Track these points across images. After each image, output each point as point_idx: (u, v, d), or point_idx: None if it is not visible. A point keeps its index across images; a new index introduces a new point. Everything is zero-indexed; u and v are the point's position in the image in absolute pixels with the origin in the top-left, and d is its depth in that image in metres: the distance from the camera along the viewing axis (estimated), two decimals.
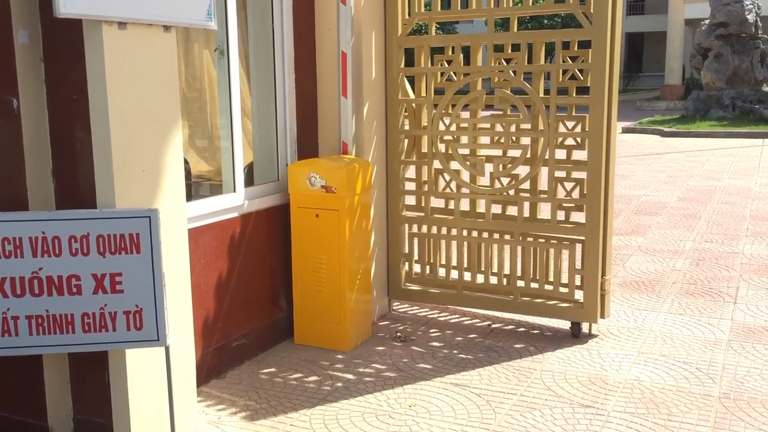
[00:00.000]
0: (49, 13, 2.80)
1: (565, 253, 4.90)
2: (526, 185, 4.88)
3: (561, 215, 4.82)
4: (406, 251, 5.27)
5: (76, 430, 3.47)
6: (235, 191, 4.29)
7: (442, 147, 5.02)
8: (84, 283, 2.98)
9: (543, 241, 4.87)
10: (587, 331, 4.82)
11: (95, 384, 3.32)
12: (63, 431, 3.46)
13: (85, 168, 3.12)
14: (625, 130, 20.50)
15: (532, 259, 4.90)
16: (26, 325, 2.98)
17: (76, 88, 3.09)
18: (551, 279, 4.89)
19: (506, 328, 4.99)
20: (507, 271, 5.04)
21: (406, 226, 5.26)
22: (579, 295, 4.78)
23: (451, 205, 5.15)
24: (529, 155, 4.82)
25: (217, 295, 4.16)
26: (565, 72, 4.66)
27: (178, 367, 3.29)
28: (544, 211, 5.12)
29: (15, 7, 3.10)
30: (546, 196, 4.79)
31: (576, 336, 4.78)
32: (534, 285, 4.90)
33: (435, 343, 4.71)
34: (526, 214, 4.94)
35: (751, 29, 21.46)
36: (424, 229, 5.22)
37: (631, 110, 26.71)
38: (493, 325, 5.03)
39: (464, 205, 5.10)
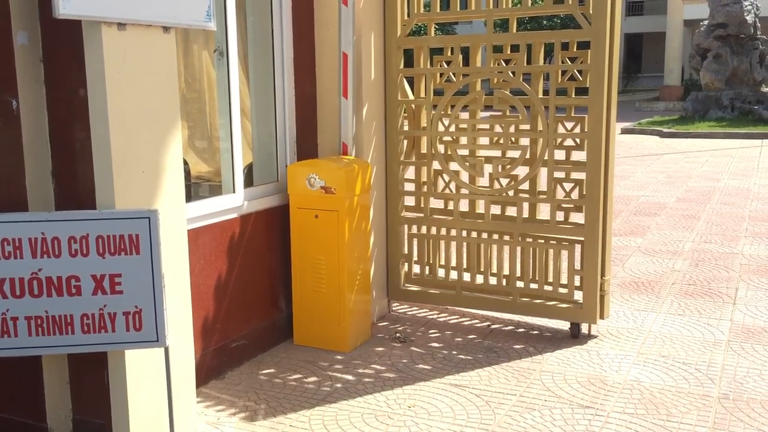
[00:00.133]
0: (48, 13, 2.80)
1: (565, 254, 4.90)
2: (526, 186, 4.88)
3: (560, 216, 4.83)
4: (406, 252, 5.27)
5: (75, 430, 3.47)
6: (234, 192, 4.29)
7: (441, 148, 5.02)
8: (83, 283, 2.98)
9: (542, 241, 4.87)
10: (586, 332, 4.83)
11: (94, 385, 3.32)
12: None
13: (85, 169, 3.12)
14: (624, 131, 20.52)
15: (531, 260, 4.90)
16: (25, 326, 2.98)
17: (75, 89, 3.08)
18: (550, 280, 4.89)
19: (505, 328, 4.99)
20: (506, 271, 5.04)
21: (406, 226, 5.26)
22: (578, 295, 4.79)
23: (451, 206, 5.15)
24: (528, 156, 4.82)
25: (216, 295, 4.16)
26: (564, 73, 4.67)
27: (177, 368, 3.29)
28: (544, 211, 5.12)
29: (14, 8, 3.11)
30: (545, 196, 4.79)
31: (575, 337, 4.78)
32: (533, 286, 4.91)
33: (434, 344, 4.71)
34: (526, 214, 4.94)
35: (749, 30, 21.48)
36: (424, 229, 5.22)
37: (630, 111, 26.73)
38: (493, 326, 5.04)
39: (463, 205, 5.10)
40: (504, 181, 4.98)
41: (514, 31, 4.82)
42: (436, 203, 5.22)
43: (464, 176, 5.04)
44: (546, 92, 4.75)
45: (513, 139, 4.86)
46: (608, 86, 4.53)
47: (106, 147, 2.96)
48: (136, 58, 3.01)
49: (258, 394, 4.00)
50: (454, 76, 4.95)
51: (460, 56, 4.96)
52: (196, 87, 4.62)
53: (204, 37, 4.48)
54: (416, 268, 5.35)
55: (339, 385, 4.09)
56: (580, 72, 4.63)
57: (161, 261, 3.02)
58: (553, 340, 4.75)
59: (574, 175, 4.81)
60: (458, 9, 4.96)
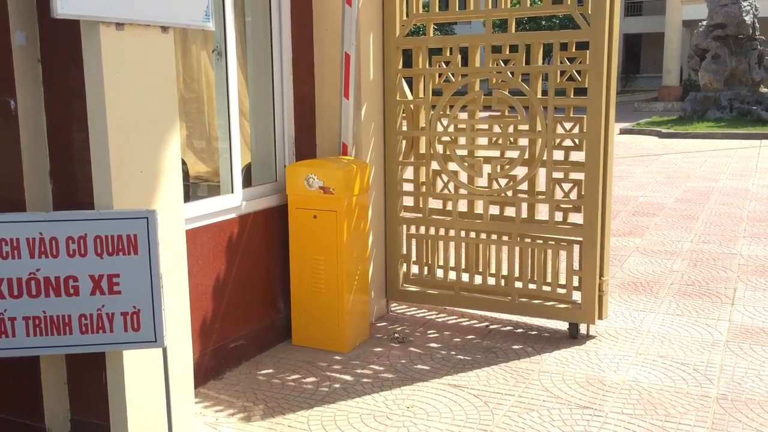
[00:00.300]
0: (46, 13, 2.80)
1: (563, 254, 4.90)
2: (524, 186, 4.88)
3: (559, 216, 4.83)
4: (404, 252, 5.27)
5: (73, 431, 3.47)
6: (233, 192, 4.29)
7: (440, 148, 5.02)
8: (81, 284, 2.97)
9: (541, 242, 4.87)
10: (585, 332, 4.83)
11: (92, 385, 3.32)
12: None
13: (83, 169, 3.11)
14: (623, 131, 20.54)
15: (529, 260, 4.90)
16: (23, 326, 2.97)
17: (73, 89, 3.08)
18: (549, 280, 4.89)
19: (504, 329, 4.99)
20: (505, 272, 5.04)
21: (404, 227, 5.26)
22: (577, 296, 4.79)
23: (449, 206, 5.15)
24: (527, 156, 4.82)
25: (214, 296, 4.16)
26: (563, 73, 4.67)
27: (175, 369, 3.29)
28: (542, 212, 5.12)
29: (12, 8, 3.10)
30: (544, 197, 4.79)
31: (574, 337, 4.78)
32: (532, 286, 4.91)
33: (433, 344, 4.70)
34: (524, 215, 4.94)
35: (748, 30, 21.51)
36: (422, 230, 5.22)
37: (628, 111, 26.75)
38: (491, 326, 5.04)
39: (462, 206, 5.10)
40: (503, 182, 4.98)
41: (513, 31, 4.82)
42: (435, 203, 5.22)
43: (463, 176, 5.04)
44: (545, 92, 4.75)
45: (512, 139, 4.86)
46: (607, 86, 4.53)
47: (104, 147, 2.96)
48: (134, 58, 3.01)
49: (256, 395, 4.00)
50: (453, 76, 4.95)
51: (459, 56, 4.96)
52: (194, 87, 4.61)
53: (202, 37, 4.47)
54: (415, 269, 5.35)
55: (337, 386, 4.09)
56: (578, 72, 4.63)
57: (159, 261, 3.02)
58: (551, 341, 4.75)
59: (573, 176, 4.81)
60: (457, 9, 4.96)
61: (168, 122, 3.19)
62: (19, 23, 3.13)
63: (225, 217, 4.20)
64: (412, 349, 4.64)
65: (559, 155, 4.83)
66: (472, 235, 5.06)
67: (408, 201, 5.30)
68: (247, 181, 4.58)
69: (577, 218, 4.79)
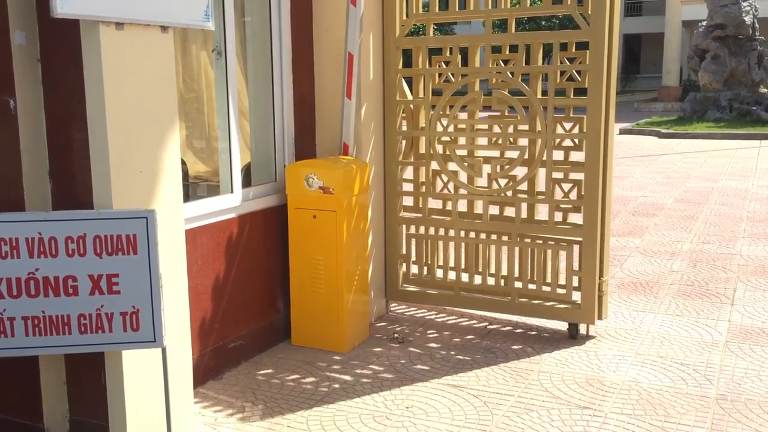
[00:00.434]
0: (46, 13, 2.80)
1: (563, 255, 4.90)
2: (524, 186, 4.88)
3: (558, 216, 4.82)
4: (404, 252, 5.27)
5: (72, 431, 3.46)
6: (232, 192, 4.29)
7: (439, 148, 5.02)
8: (80, 284, 2.97)
9: (540, 242, 4.86)
10: (585, 333, 4.82)
11: (91, 385, 3.31)
12: None
13: (82, 169, 3.11)
14: (623, 132, 20.54)
15: (529, 261, 4.90)
16: (22, 326, 2.97)
17: (73, 89, 3.08)
18: (549, 280, 4.89)
19: (504, 329, 4.99)
20: (504, 272, 5.04)
21: (404, 227, 5.26)
22: (576, 296, 4.78)
23: (449, 206, 5.14)
24: (526, 156, 4.82)
25: (214, 296, 4.15)
26: (562, 73, 4.66)
27: (174, 369, 3.28)
28: (542, 212, 5.12)
29: (12, 8, 3.10)
30: (544, 197, 4.79)
31: (573, 337, 4.78)
32: (531, 286, 4.90)
33: (432, 345, 4.70)
34: (524, 215, 4.93)
35: (748, 31, 21.51)
36: (422, 230, 5.22)
37: (628, 111, 26.75)
38: (491, 327, 5.03)
39: (462, 206, 5.10)
40: (502, 182, 4.98)
41: (513, 31, 4.82)
42: (435, 203, 5.21)
43: (463, 176, 5.03)
44: (545, 93, 4.75)
45: (511, 139, 4.86)
46: (607, 87, 4.53)
47: (103, 147, 2.95)
48: (134, 58, 3.01)
49: (255, 395, 3.99)
50: (453, 76, 4.95)
51: (459, 56, 4.95)
52: (194, 87, 4.61)
53: (202, 36, 4.47)
54: (414, 269, 5.35)
55: (337, 386, 4.09)
56: (578, 72, 4.63)
57: (159, 261, 3.01)
58: (551, 341, 4.75)
59: (573, 176, 4.81)
60: (457, 9, 4.95)
61: (167, 122, 3.19)
62: (19, 23, 3.13)
63: (224, 216, 4.20)
64: (411, 349, 4.64)
65: (558, 155, 4.83)
66: (472, 235, 5.06)
67: (408, 201, 5.30)
68: (247, 181, 4.58)
69: (576, 218, 4.78)
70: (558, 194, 4.84)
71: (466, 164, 4.99)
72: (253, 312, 4.48)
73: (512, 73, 4.77)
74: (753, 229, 8.04)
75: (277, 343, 4.70)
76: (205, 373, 4.12)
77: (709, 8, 22.17)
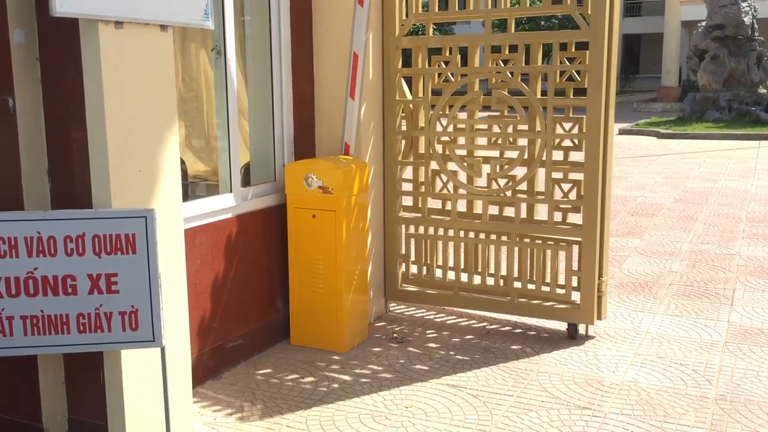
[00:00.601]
0: (45, 12, 2.79)
1: (562, 255, 4.89)
2: (523, 186, 4.88)
3: (558, 216, 4.82)
4: (403, 252, 5.26)
5: (71, 430, 3.46)
6: (231, 191, 4.28)
7: (439, 148, 5.01)
8: (79, 283, 2.96)
9: (540, 242, 4.86)
10: (584, 333, 4.82)
11: (90, 385, 3.31)
12: None
13: (81, 168, 3.10)
14: (622, 132, 20.55)
15: (528, 261, 4.89)
16: (21, 326, 2.96)
17: (72, 88, 3.07)
18: (548, 280, 4.89)
19: (503, 329, 4.99)
20: (504, 272, 5.04)
21: (403, 226, 5.25)
22: (576, 296, 4.78)
23: (448, 206, 5.14)
24: (526, 156, 4.82)
25: (213, 295, 4.15)
26: (562, 73, 4.66)
27: (173, 368, 3.28)
28: (541, 212, 5.11)
29: (11, 6, 3.09)
30: (543, 197, 4.78)
31: (573, 337, 4.77)
32: (531, 286, 4.90)
33: (431, 344, 4.70)
34: (523, 215, 4.93)
35: (747, 31, 21.52)
36: (421, 230, 5.21)
37: (627, 112, 26.76)
38: (490, 327, 5.03)
39: (461, 206, 5.09)
40: (502, 182, 4.98)
41: (513, 31, 4.81)
42: (434, 203, 5.21)
43: (462, 176, 5.03)
44: (544, 93, 4.74)
45: (511, 139, 4.86)
46: (606, 87, 4.52)
47: (102, 146, 2.95)
48: (133, 57, 3.00)
49: (254, 395, 3.99)
50: (453, 76, 4.95)
51: (459, 56, 4.95)
52: (193, 86, 4.60)
53: (202, 36, 4.46)
54: (414, 269, 5.34)
55: (336, 386, 4.08)
56: (578, 72, 4.63)
57: (158, 261, 3.01)
58: (550, 341, 4.74)
59: (572, 176, 4.80)
60: (456, 9, 4.95)
61: (167, 121, 3.18)
62: (18, 21, 3.12)
63: (224, 216, 4.19)
64: (410, 349, 4.63)
65: (558, 155, 4.82)
66: (471, 235, 5.06)
67: (407, 201, 5.29)
68: (246, 181, 4.58)
69: (576, 218, 4.78)
70: (557, 194, 4.84)
71: (465, 164, 4.99)
72: (252, 312, 4.48)
73: (512, 73, 4.76)
74: (752, 230, 8.05)
75: (276, 343, 4.69)
76: (204, 372, 4.11)
77: (708, 9, 22.18)
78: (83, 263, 2.95)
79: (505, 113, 4.90)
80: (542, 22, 36.08)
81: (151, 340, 3.04)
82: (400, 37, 4.98)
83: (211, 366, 4.17)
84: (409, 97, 5.14)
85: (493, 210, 5.02)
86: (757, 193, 10.50)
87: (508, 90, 4.85)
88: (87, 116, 2.97)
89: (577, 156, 4.73)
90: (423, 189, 5.12)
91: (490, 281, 5.03)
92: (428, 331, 4.94)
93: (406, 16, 5.03)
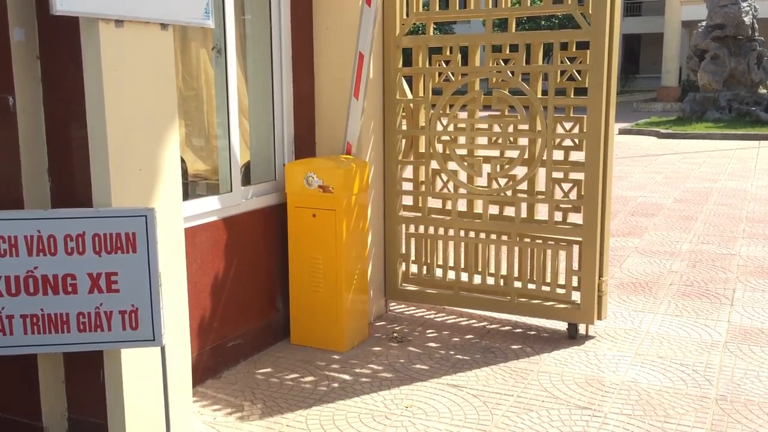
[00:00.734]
0: (45, 10, 2.79)
1: (563, 254, 4.89)
2: (524, 186, 4.87)
3: (558, 216, 4.82)
4: (403, 251, 5.26)
5: (70, 430, 3.45)
6: (231, 191, 4.28)
7: (439, 147, 5.01)
8: (79, 282, 2.96)
9: (540, 242, 4.86)
10: (584, 333, 4.82)
11: (90, 384, 3.30)
12: (58, 431, 3.44)
13: (82, 167, 3.10)
14: (622, 132, 20.54)
15: (529, 260, 4.89)
16: (21, 325, 2.96)
17: (72, 87, 3.07)
18: (548, 280, 4.88)
19: (503, 329, 4.98)
20: (504, 272, 5.03)
21: (403, 226, 5.25)
22: (576, 296, 4.78)
23: (449, 206, 5.14)
24: (526, 156, 4.81)
25: (213, 294, 4.15)
26: (563, 73, 4.66)
27: (173, 367, 3.27)
28: (542, 211, 5.11)
29: (11, 5, 3.09)
30: (543, 197, 4.78)
31: (573, 337, 4.77)
32: (531, 286, 4.90)
33: (431, 344, 4.69)
34: (524, 214, 4.93)
35: (747, 31, 21.52)
36: (422, 229, 5.21)
37: (627, 111, 26.75)
38: (490, 326, 5.03)
39: (461, 205, 5.09)
40: (502, 181, 4.97)
41: (513, 30, 4.81)
42: (434, 203, 5.21)
43: (462, 176, 5.03)
44: (545, 92, 4.74)
45: (511, 139, 4.85)
46: (607, 86, 4.52)
47: (103, 145, 2.94)
48: (133, 56, 3.00)
49: (254, 394, 3.99)
50: (453, 75, 4.94)
51: (459, 56, 4.95)
52: (193, 85, 4.60)
53: (202, 34, 4.46)
54: (414, 268, 5.34)
55: (336, 385, 4.08)
56: (579, 72, 4.62)
57: (158, 260, 3.00)
58: (550, 341, 4.74)
59: (573, 176, 4.80)
60: (457, 8, 4.95)
61: (167, 120, 3.18)
62: (18, 19, 3.12)
63: (224, 215, 4.19)
64: (410, 348, 4.63)
65: (558, 155, 4.82)
66: (472, 234, 5.05)
67: (407, 200, 5.29)
68: (246, 180, 4.57)
69: (576, 218, 4.78)
70: (558, 194, 4.84)
71: (465, 164, 4.98)
72: (252, 311, 4.48)
73: (512, 73, 4.76)
74: (752, 230, 8.04)
75: (276, 342, 4.69)
76: (204, 371, 4.11)
77: (708, 8, 22.18)
78: (83, 262, 2.95)
79: (506, 113, 4.89)
80: (542, 22, 36.07)
81: (151, 340, 3.04)
82: (400, 36, 4.98)
83: (211, 365, 4.17)
84: (410, 96, 5.13)
85: (494, 209, 5.02)
86: (757, 193, 10.50)
87: (509, 89, 4.85)
88: (87, 115, 2.97)
89: (577, 156, 4.73)
90: (423, 188, 5.12)
91: (491, 281, 5.02)
92: (428, 331, 4.93)
93: (407, 15, 5.03)
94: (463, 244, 5.11)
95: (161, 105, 3.14)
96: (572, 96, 4.71)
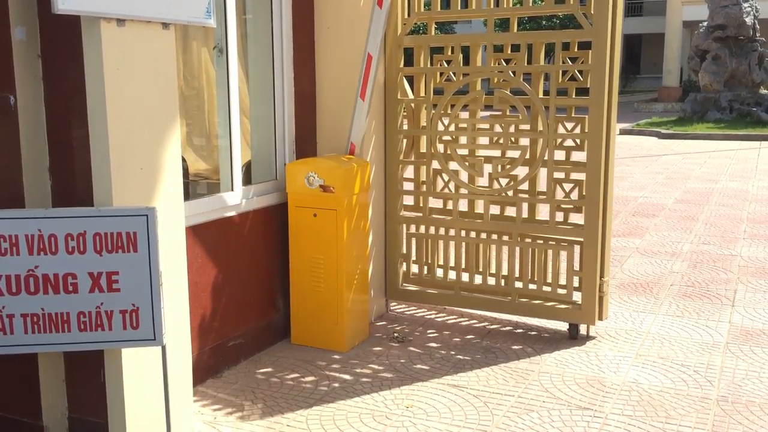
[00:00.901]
0: (47, 9, 2.78)
1: (564, 255, 4.89)
2: (525, 186, 4.87)
3: (559, 216, 4.81)
4: (404, 251, 5.26)
5: (71, 429, 3.45)
6: (232, 190, 4.28)
7: (440, 147, 5.00)
8: (80, 281, 2.96)
9: (541, 242, 4.85)
10: (585, 333, 4.82)
11: (91, 383, 3.30)
12: (58, 431, 3.44)
13: (83, 166, 3.10)
14: (623, 132, 20.53)
15: (530, 261, 4.89)
16: (21, 324, 2.96)
17: (73, 86, 3.06)
18: (549, 280, 4.88)
19: (504, 329, 4.98)
20: (505, 272, 5.03)
21: (404, 226, 5.25)
22: (577, 296, 4.77)
23: (450, 206, 5.13)
24: (528, 156, 4.81)
25: (213, 294, 4.14)
26: (564, 73, 4.65)
27: (174, 367, 3.27)
28: (543, 212, 5.11)
29: (13, 3, 3.09)
30: (545, 197, 4.78)
31: (574, 338, 4.77)
32: (532, 286, 4.89)
33: (432, 344, 4.69)
34: (525, 215, 4.92)
35: (748, 32, 21.51)
36: (422, 229, 5.20)
37: (628, 112, 26.74)
38: (491, 326, 5.02)
39: (462, 205, 5.08)
40: (503, 181, 4.97)
41: (515, 30, 4.80)
42: (435, 203, 5.20)
43: (463, 176, 5.02)
44: (546, 92, 4.73)
45: (513, 139, 4.85)
46: (609, 87, 4.51)
47: (104, 144, 2.94)
48: (135, 55, 2.99)
49: (255, 394, 3.98)
50: (454, 75, 4.94)
51: (461, 55, 4.94)
52: (195, 84, 4.60)
53: (203, 34, 4.45)
54: (414, 268, 5.34)
55: (336, 385, 4.08)
56: (580, 72, 4.62)
57: (159, 259, 3.00)
58: (551, 341, 4.74)
59: (574, 176, 4.80)
60: (459, 8, 4.94)
61: (168, 119, 3.18)
62: (20, 18, 3.11)
63: (225, 214, 4.19)
64: (411, 348, 4.63)
65: (560, 155, 4.82)
66: (473, 234, 5.05)
67: (408, 200, 5.28)
68: (247, 179, 4.57)
69: (577, 218, 4.77)
70: (559, 194, 4.83)
71: (467, 164, 4.98)
72: (252, 310, 4.47)
73: (514, 73, 4.75)
74: (753, 230, 8.04)
75: (276, 342, 4.68)
76: (205, 371, 4.10)
77: (709, 9, 22.16)
78: (84, 261, 2.95)
79: (507, 113, 4.89)
80: (543, 22, 36.06)
81: (152, 339, 3.03)
82: (402, 35, 4.97)
83: (212, 365, 4.17)
84: (411, 96, 5.13)
85: (495, 210, 5.01)
86: (758, 194, 10.49)
87: (510, 89, 4.84)
88: (88, 114, 2.97)
89: (578, 156, 4.72)
90: (424, 188, 5.11)
91: (491, 281, 5.02)
92: (429, 331, 4.93)
93: (408, 15, 5.02)
94: (464, 244, 5.10)
95: (162, 104, 3.14)
96: (574, 96, 4.71)
